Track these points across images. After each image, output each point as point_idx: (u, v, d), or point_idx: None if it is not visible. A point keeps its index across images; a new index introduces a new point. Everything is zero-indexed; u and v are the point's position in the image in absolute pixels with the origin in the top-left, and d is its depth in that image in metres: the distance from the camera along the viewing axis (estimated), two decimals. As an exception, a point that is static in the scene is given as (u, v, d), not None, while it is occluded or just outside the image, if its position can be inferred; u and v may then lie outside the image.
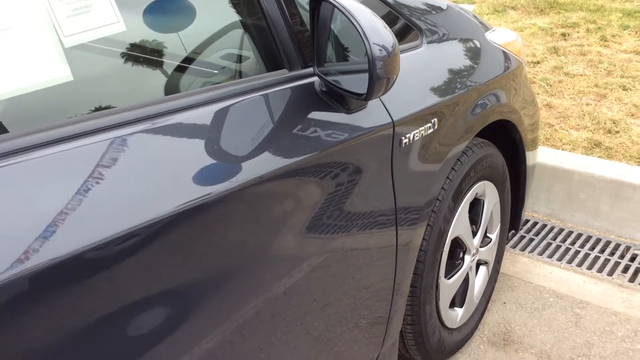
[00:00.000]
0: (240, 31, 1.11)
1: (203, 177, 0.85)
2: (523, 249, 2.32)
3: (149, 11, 0.99)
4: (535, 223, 2.49)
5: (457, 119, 1.43)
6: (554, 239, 2.38)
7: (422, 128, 1.29)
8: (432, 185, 1.39)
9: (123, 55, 0.93)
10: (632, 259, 2.22)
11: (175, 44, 1.01)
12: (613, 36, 3.78)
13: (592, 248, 2.30)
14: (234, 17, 1.13)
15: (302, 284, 1.04)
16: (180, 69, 1.03)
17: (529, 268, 2.19)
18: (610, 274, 2.14)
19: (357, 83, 0.95)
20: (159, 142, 0.84)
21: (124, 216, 0.74)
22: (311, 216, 1.02)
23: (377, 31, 0.89)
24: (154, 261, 0.78)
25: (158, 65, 1.00)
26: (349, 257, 1.15)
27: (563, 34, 3.92)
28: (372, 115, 1.15)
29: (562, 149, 2.67)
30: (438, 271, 1.55)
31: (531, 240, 2.38)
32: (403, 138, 1.23)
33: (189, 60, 1.05)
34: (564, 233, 2.42)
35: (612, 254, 2.26)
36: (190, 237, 0.82)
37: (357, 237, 1.16)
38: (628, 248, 2.29)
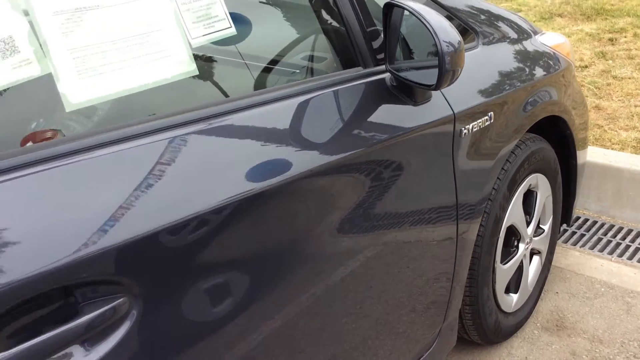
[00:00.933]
0: (321, 35, 1.27)
1: (292, 156, 1.00)
2: (575, 244, 2.40)
3: (245, 19, 1.16)
4: (586, 220, 2.57)
5: (510, 114, 1.56)
6: (605, 234, 2.46)
7: (480, 121, 1.43)
8: (489, 174, 1.51)
9: (227, 54, 1.10)
10: (684, 252, 2.28)
11: (268, 46, 1.18)
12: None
13: (643, 243, 2.37)
14: (316, 23, 1.29)
15: (360, 271, 1.15)
16: (272, 68, 1.20)
17: (581, 261, 2.27)
18: (661, 266, 2.21)
19: (426, 76, 1.10)
20: (253, 127, 0.99)
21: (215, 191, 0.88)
22: (380, 200, 1.15)
23: (445, 30, 1.03)
24: (231, 239, 0.90)
25: (254, 63, 1.17)
26: (409, 243, 1.27)
27: (610, 39, 3.97)
28: (435, 108, 1.30)
29: (612, 149, 2.74)
30: (494, 256, 1.67)
31: (582, 235, 2.46)
32: (463, 129, 1.37)
33: (278, 60, 1.21)
34: (614, 229, 2.49)
35: (663, 248, 2.32)
36: (270, 217, 0.96)
37: (419, 223, 1.28)
38: (679, 243, 2.34)
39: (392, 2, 1.13)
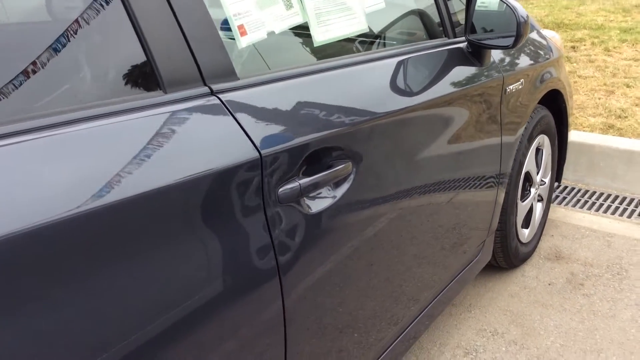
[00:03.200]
0: (415, 15, 1.76)
1: (396, 96, 1.44)
2: (559, 204, 2.96)
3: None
4: (566, 187, 3.15)
5: (531, 84, 2.08)
6: (582, 196, 3.03)
7: (516, 84, 1.95)
8: (519, 125, 2.03)
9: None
10: (645, 207, 2.88)
11: (379, 22, 1.66)
12: (614, 47, 4.51)
13: (613, 201, 2.96)
14: (414, 5, 1.79)
15: (436, 189, 1.63)
16: (383, 36, 1.68)
17: (566, 214, 2.83)
18: (629, 217, 2.79)
19: (501, 41, 1.60)
20: (375, 74, 1.42)
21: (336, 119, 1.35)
22: (451, 134, 1.63)
23: (518, 8, 1.55)
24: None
25: (371, 31, 1.64)
26: (468, 169, 1.75)
27: (572, 47, 4.64)
28: (493, 70, 1.80)
29: (584, 131, 3.34)
30: (517, 192, 2.18)
31: (564, 198, 3.03)
32: (507, 88, 1.89)
33: (387, 32, 1.69)
34: (589, 193, 3.07)
35: (628, 204, 2.91)
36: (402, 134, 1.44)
37: (477, 156, 1.77)
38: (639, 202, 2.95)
39: (475, -11, 1.64)
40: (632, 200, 2.96)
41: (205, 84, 1.00)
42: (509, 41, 1.58)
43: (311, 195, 1.13)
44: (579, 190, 3.10)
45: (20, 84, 0.82)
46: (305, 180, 1.10)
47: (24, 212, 0.70)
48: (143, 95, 0.92)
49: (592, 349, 1.91)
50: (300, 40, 1.35)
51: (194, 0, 1.00)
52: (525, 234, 2.35)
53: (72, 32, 0.88)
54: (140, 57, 0.92)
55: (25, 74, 0.84)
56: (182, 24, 0.97)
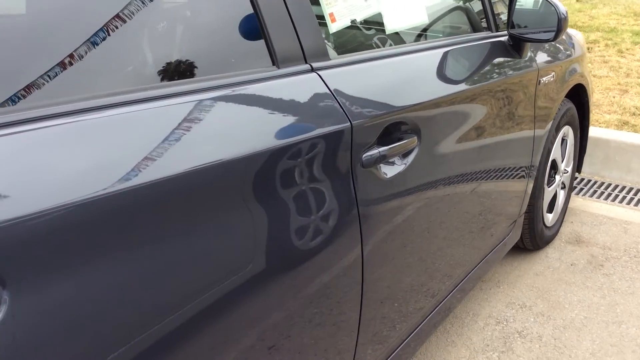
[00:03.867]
0: (462, 11, 1.93)
1: (442, 84, 1.61)
2: (577, 194, 3.13)
3: None
4: (583, 179, 3.32)
5: (560, 77, 2.26)
6: (599, 187, 3.21)
7: (549, 76, 2.12)
8: (549, 114, 2.20)
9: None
10: (658, 198, 3.05)
11: (435, 16, 1.83)
12: (627, 49, 4.68)
13: (628, 193, 3.13)
14: (461, 3, 1.96)
15: (470, 170, 1.81)
16: (438, 29, 1.85)
17: (585, 204, 3.00)
18: (644, 207, 2.97)
19: (542, 35, 1.77)
20: (425, 62, 1.58)
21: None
22: (491, 119, 1.80)
23: (560, 6, 1.72)
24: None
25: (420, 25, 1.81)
26: (506, 153, 1.92)
27: (587, 48, 4.81)
28: (530, 62, 1.97)
29: (599, 127, 3.51)
30: (544, 178, 2.35)
31: (582, 189, 3.20)
32: (541, 80, 2.06)
33: (439, 25, 1.86)
34: (605, 184, 3.24)
35: (643, 196, 3.09)
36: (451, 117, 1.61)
37: (514, 141, 1.94)
38: (654, 193, 3.12)
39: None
40: (646, 192, 3.13)
41: (306, 62, 1.17)
42: (550, 35, 1.75)
43: (386, 162, 1.30)
44: (595, 182, 3.28)
45: (168, 55, 1.00)
46: (383, 149, 1.27)
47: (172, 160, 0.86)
48: (263, 69, 1.09)
49: (614, 320, 2.08)
50: (374, 28, 1.52)
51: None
52: (549, 218, 2.53)
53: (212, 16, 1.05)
54: (261, 39, 1.10)
55: (172, 46, 1.01)
56: (291, 12, 1.14)
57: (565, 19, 1.73)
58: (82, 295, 0.73)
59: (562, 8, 1.74)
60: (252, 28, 1.10)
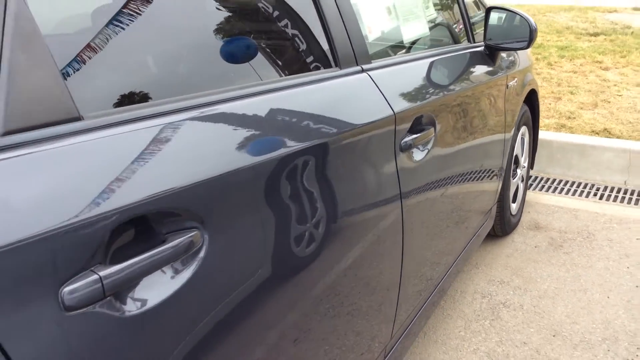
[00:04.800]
0: (444, 26, 2.24)
1: (430, 90, 1.92)
2: (528, 189, 3.51)
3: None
4: (531, 176, 3.71)
5: (520, 83, 2.61)
6: (545, 183, 3.61)
7: (513, 81, 2.46)
8: (514, 114, 2.54)
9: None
10: (597, 188, 3.48)
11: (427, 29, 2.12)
12: (555, 62, 5.22)
13: (571, 186, 3.54)
14: (441, 17, 2.26)
15: (457, 162, 2.11)
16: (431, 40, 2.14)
17: (536, 196, 3.39)
18: (587, 197, 3.38)
19: (516, 44, 2.10)
20: (421, 68, 1.88)
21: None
22: (473, 116, 2.10)
23: (530, 19, 2.05)
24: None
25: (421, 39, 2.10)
26: (482, 147, 2.23)
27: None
28: (499, 70, 2.30)
29: (541, 130, 3.93)
30: (510, 172, 2.69)
31: (531, 184, 3.59)
32: (509, 84, 2.39)
33: (429, 39, 2.16)
34: (550, 179, 3.65)
35: (584, 188, 3.51)
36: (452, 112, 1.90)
37: (489, 132, 2.24)
38: (592, 185, 3.55)
39: (491, 7, 2.13)
40: (586, 184, 3.56)
41: (357, 64, 1.41)
42: (524, 44, 2.08)
43: (415, 148, 1.56)
44: (542, 178, 3.68)
45: (264, 60, 1.21)
46: (413, 137, 1.52)
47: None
48: (329, 70, 1.32)
49: (580, 289, 2.42)
50: (395, 38, 1.79)
51: (349, 9, 1.41)
52: (514, 207, 2.86)
53: (289, 26, 1.28)
54: (326, 46, 1.33)
55: (266, 51, 1.23)
56: (346, 24, 1.39)
57: (536, 30, 2.07)
58: (248, 241, 0.94)
59: (532, 21, 2.07)
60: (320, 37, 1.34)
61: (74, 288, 0.68)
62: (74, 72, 0.81)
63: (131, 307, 0.75)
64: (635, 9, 8.72)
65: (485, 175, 2.23)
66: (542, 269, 2.58)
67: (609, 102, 4.41)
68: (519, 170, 2.86)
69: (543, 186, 3.56)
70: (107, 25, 0.90)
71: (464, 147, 1.91)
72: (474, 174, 2.07)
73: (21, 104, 0.70)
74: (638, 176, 3.49)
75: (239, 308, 0.92)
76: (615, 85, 4.78)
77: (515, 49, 2.15)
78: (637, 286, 2.42)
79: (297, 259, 1.08)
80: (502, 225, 2.75)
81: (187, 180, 0.82)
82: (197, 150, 0.88)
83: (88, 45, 0.86)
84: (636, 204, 3.26)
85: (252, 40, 1.20)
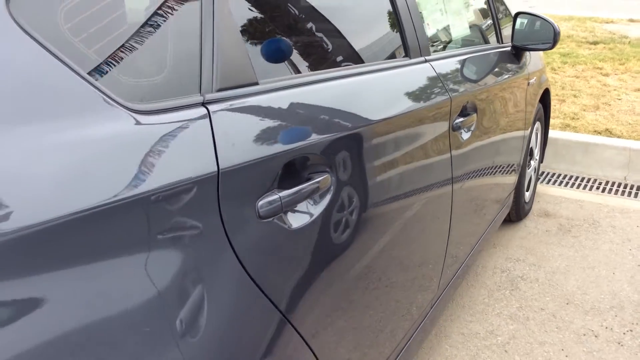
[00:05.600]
0: (477, 27, 2.52)
1: (463, 84, 2.20)
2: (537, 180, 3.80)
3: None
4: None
5: (538, 81, 2.89)
6: (552, 177, 3.90)
7: (533, 79, 2.74)
8: (533, 110, 2.83)
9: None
10: (600, 182, 3.77)
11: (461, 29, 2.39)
12: (558, 67, 5.52)
13: (576, 180, 3.84)
14: (477, 19, 2.54)
15: (477, 155, 2.39)
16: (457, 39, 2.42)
17: (543, 189, 3.67)
18: (590, 190, 3.67)
19: (540, 45, 2.38)
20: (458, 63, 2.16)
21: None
22: (497, 111, 2.38)
23: (553, 23, 2.33)
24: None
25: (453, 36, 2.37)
26: (505, 139, 2.51)
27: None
28: (523, 67, 2.58)
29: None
30: (526, 162, 2.97)
31: (539, 178, 3.88)
32: (530, 81, 2.67)
33: (468, 38, 2.43)
34: (556, 174, 3.94)
35: (587, 182, 3.80)
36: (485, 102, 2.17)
37: (511, 127, 2.53)
38: (595, 179, 3.84)
39: (518, 12, 2.41)
40: (589, 179, 3.85)
41: (421, 55, 1.68)
42: (548, 45, 2.36)
43: (463, 130, 1.83)
44: (549, 173, 3.97)
45: (371, 46, 1.48)
46: (462, 119, 1.80)
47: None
48: (401, 59, 1.60)
49: (588, 266, 2.70)
50: (445, 35, 2.06)
51: (416, 9, 1.68)
52: (527, 195, 3.15)
53: (382, 21, 1.55)
54: (398, 39, 1.60)
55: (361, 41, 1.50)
56: (414, 20, 1.66)
57: (559, 33, 2.35)
58: (360, 187, 1.22)
59: (556, 25, 2.35)
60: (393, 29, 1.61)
61: (264, 202, 0.95)
62: (254, 47, 1.08)
63: (292, 223, 1.02)
64: (631, 20, 9.08)
65: (508, 163, 2.51)
66: (554, 250, 2.86)
67: (610, 105, 4.72)
68: (532, 162, 3.15)
69: (550, 179, 3.85)
70: (279, 15, 1.17)
71: (495, 133, 2.19)
72: (501, 159, 2.35)
73: (224, 72, 0.96)
74: (637, 172, 3.78)
75: (354, 234, 1.19)
76: (615, 89, 5.09)
77: (541, 49, 2.43)
78: (639, 265, 2.71)
79: (392, 211, 1.35)
80: (517, 210, 3.03)
81: (320, 137, 1.09)
82: (332, 113, 1.15)
83: (270, 29, 1.13)
84: (636, 196, 3.56)
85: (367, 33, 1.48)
